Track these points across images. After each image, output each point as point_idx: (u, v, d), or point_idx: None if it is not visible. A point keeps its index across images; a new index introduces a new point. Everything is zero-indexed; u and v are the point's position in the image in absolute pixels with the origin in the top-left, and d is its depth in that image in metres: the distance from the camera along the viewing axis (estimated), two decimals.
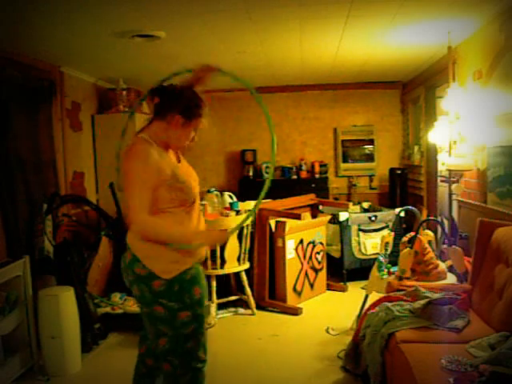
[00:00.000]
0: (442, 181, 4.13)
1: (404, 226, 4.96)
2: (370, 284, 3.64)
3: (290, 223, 4.23)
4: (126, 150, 1.99)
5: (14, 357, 3.02)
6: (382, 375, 2.48)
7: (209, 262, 3.93)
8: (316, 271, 4.60)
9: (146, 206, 1.91)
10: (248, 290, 4.11)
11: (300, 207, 4.81)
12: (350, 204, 5.05)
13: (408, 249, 3.28)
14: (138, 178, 1.91)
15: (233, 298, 4.26)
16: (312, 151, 6.58)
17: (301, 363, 3.17)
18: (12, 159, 3.61)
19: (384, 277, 3.44)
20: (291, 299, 4.28)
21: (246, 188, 6.23)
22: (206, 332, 2.14)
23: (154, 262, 1.98)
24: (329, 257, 4.86)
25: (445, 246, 3.64)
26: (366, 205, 5.69)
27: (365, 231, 4.84)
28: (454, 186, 3.75)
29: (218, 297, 4.02)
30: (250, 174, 6.39)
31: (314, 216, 4.92)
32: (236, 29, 3.49)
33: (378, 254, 3.72)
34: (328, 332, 3.67)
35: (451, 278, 3.27)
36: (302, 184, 6.26)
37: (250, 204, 4.28)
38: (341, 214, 4.76)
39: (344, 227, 4.77)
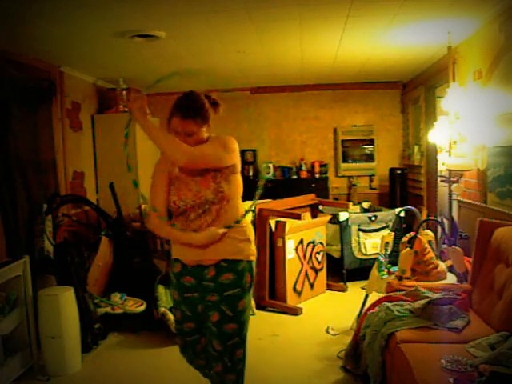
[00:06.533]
0: (442, 181, 4.12)
1: (404, 225, 4.96)
2: (370, 284, 3.64)
3: (290, 223, 4.23)
4: None
5: (14, 357, 3.02)
6: (382, 375, 2.48)
7: None
8: (316, 271, 4.60)
9: None
10: None
11: (300, 207, 4.81)
12: (350, 204, 5.05)
13: (408, 249, 3.28)
14: None
15: None
16: (312, 151, 6.58)
17: (301, 363, 3.16)
18: (12, 159, 3.60)
19: (384, 277, 3.43)
20: (291, 299, 4.28)
21: (246, 188, 6.20)
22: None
23: None
24: (329, 257, 4.86)
25: (445, 245, 3.64)
26: (365, 205, 5.69)
27: (365, 231, 4.84)
28: (453, 186, 3.74)
29: None
30: (250, 174, 6.37)
31: (314, 216, 4.92)
32: (236, 29, 3.49)
33: (378, 253, 3.72)
34: (328, 332, 3.67)
35: (451, 278, 3.27)
36: (302, 184, 6.26)
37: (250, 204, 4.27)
38: (341, 214, 4.76)
39: (344, 227, 4.77)
